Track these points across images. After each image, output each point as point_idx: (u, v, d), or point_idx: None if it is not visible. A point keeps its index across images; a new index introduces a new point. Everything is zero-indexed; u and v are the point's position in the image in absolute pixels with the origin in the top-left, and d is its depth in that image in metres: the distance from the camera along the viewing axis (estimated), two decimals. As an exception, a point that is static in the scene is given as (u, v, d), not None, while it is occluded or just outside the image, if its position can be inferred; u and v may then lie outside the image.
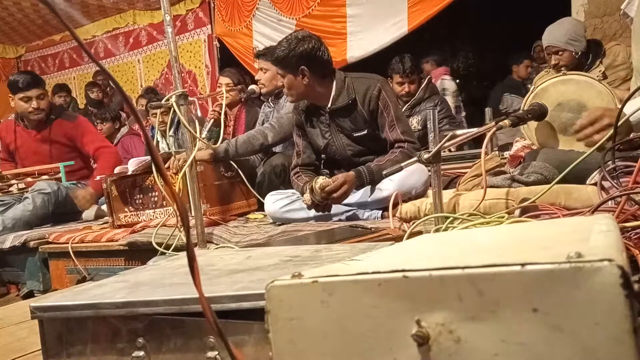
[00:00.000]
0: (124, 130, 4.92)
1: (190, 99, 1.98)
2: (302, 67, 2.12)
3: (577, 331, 0.44)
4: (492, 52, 8.78)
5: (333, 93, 2.19)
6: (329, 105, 2.20)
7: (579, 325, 0.44)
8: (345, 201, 2.13)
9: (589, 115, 1.50)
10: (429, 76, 3.75)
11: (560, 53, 2.74)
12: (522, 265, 0.46)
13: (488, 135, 1.55)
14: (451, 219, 1.42)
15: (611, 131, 1.35)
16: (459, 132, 2.72)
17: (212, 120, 2.73)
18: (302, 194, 2.21)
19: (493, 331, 0.47)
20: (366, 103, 2.15)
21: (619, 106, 1.35)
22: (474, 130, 1.65)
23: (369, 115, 2.17)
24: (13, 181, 3.15)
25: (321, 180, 2.03)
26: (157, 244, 2.07)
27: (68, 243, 2.43)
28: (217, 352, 0.72)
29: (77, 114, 3.58)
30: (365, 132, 2.19)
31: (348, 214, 2.12)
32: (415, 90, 3.57)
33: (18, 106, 3.13)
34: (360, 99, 2.16)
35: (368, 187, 2.10)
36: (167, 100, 1.92)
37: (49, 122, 3.21)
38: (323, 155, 2.40)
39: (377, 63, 3.93)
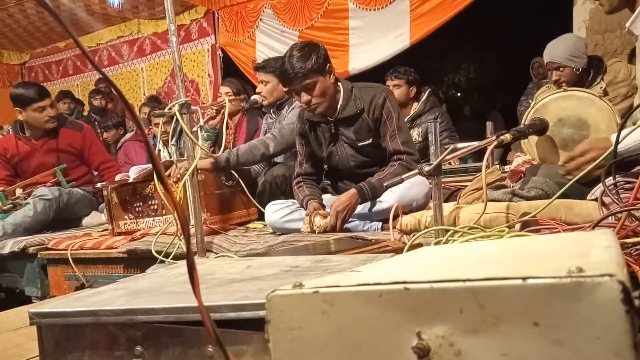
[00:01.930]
0: (128, 136, 4.94)
1: (192, 108, 1.99)
2: (328, 64, 2.15)
3: (577, 345, 0.44)
4: (494, 66, 8.84)
5: (341, 102, 2.20)
6: (336, 114, 2.21)
7: (580, 340, 0.44)
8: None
9: (579, 147, 1.57)
10: (430, 89, 3.77)
11: (561, 69, 2.76)
12: (524, 279, 0.46)
13: (489, 149, 1.56)
14: (451, 232, 1.42)
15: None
16: (459, 145, 2.72)
17: (209, 117, 2.73)
18: (302, 205, 2.21)
19: (494, 344, 0.47)
20: (371, 111, 2.17)
21: (619, 123, 1.36)
22: (475, 143, 1.65)
23: (373, 123, 2.18)
24: (18, 191, 3.12)
25: (317, 229, 2.03)
26: (157, 252, 2.06)
27: (67, 250, 2.42)
28: (215, 362, 0.71)
29: (82, 123, 3.58)
30: (370, 141, 2.20)
31: (348, 225, 2.11)
32: (399, 96, 3.61)
33: (32, 118, 3.10)
34: (366, 107, 2.17)
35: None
36: (170, 109, 1.92)
37: (56, 131, 3.21)
38: (325, 166, 2.40)
39: (379, 75, 3.95)
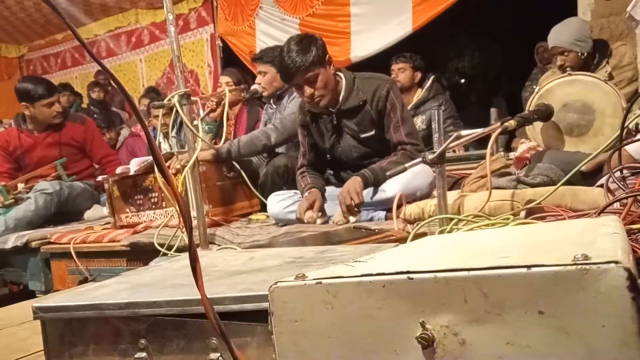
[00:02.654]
0: (125, 132, 4.94)
1: (192, 98, 1.97)
2: (328, 55, 2.12)
3: (583, 334, 0.44)
4: (498, 52, 8.76)
5: (343, 93, 2.17)
6: (338, 106, 2.18)
7: (585, 328, 0.44)
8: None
9: None
10: (433, 76, 3.75)
11: (566, 54, 2.72)
12: (528, 267, 0.46)
13: (493, 136, 1.54)
14: (456, 220, 1.41)
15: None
16: (463, 132, 2.71)
17: (209, 110, 2.71)
18: (302, 195, 2.20)
19: (498, 333, 0.47)
20: (374, 103, 2.14)
21: (625, 107, 1.34)
22: (479, 130, 1.64)
23: (376, 115, 2.15)
24: (20, 185, 3.13)
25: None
26: (159, 244, 2.07)
27: (70, 244, 2.42)
28: (219, 354, 0.71)
29: (84, 116, 3.59)
30: (373, 132, 2.17)
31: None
32: (404, 80, 3.59)
33: (40, 113, 3.12)
34: (369, 99, 2.15)
35: (371, 189, 2.09)
36: (170, 100, 1.91)
37: (60, 125, 3.22)
38: (328, 156, 2.39)
39: (381, 63, 3.92)
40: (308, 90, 2.10)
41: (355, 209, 1.98)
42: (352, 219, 1.99)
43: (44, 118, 3.15)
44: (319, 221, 2.05)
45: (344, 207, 1.99)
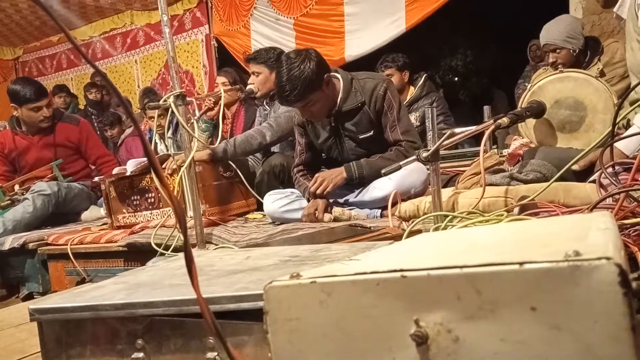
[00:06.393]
0: (128, 131, 4.93)
1: (188, 99, 1.97)
2: (326, 74, 2.07)
3: (575, 329, 0.44)
4: (491, 50, 8.78)
5: (340, 95, 2.14)
6: (336, 108, 2.15)
7: (578, 324, 0.44)
8: (344, 199, 2.15)
9: None
10: (426, 74, 3.76)
11: (557, 51, 2.73)
12: (521, 264, 0.46)
13: (487, 133, 1.55)
14: (450, 217, 1.42)
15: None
16: (457, 130, 2.72)
17: (207, 108, 2.71)
18: (304, 194, 2.20)
19: (492, 330, 0.47)
20: (372, 103, 2.12)
21: (616, 103, 1.35)
22: (473, 128, 1.65)
23: (375, 115, 2.14)
24: (16, 186, 3.12)
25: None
26: (156, 244, 2.07)
27: (67, 244, 2.42)
28: (216, 353, 0.72)
29: (78, 117, 3.57)
30: (372, 133, 2.16)
31: (353, 212, 2.11)
32: (395, 84, 3.61)
33: (27, 116, 3.10)
34: (367, 99, 2.13)
35: (368, 186, 2.10)
36: (165, 101, 1.91)
37: (53, 126, 3.20)
38: (324, 155, 2.39)
39: (375, 62, 3.92)
40: (307, 113, 2.13)
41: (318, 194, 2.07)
42: (327, 217, 2.07)
43: (31, 122, 3.13)
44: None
45: (315, 187, 2.07)
